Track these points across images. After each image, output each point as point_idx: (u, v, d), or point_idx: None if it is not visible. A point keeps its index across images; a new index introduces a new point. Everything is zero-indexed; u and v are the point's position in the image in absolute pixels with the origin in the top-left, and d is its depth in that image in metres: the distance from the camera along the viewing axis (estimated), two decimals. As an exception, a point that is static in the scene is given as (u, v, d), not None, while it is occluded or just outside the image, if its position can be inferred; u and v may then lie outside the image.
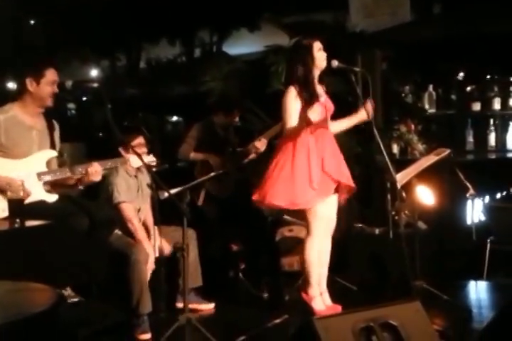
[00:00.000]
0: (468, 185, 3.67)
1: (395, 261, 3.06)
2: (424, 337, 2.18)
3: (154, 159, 2.88)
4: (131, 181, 3.11)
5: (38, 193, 2.71)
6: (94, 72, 8.10)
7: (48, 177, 2.73)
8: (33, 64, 2.84)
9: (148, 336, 2.85)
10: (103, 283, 2.96)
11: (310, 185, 2.81)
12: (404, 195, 2.87)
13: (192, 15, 6.82)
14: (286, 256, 3.75)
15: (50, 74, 2.75)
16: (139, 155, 2.68)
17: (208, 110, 3.90)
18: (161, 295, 2.93)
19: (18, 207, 2.51)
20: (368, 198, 4.20)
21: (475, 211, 4.19)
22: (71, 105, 7.63)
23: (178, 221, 2.71)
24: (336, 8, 5.22)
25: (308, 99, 2.83)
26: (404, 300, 2.30)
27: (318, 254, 2.93)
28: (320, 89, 2.94)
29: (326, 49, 2.93)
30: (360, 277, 3.55)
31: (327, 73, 2.99)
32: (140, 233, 3.04)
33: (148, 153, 3.06)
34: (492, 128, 4.64)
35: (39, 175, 2.72)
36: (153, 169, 2.85)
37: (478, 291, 3.61)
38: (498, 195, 4.39)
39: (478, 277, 3.60)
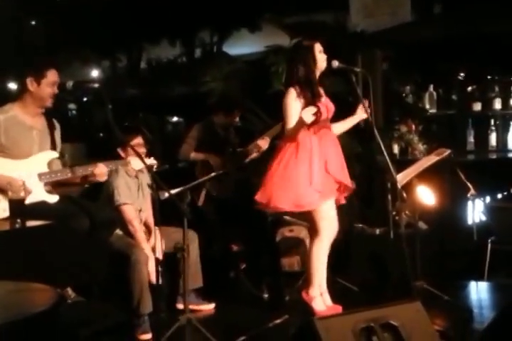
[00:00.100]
0: (469, 185, 3.67)
1: (395, 262, 3.06)
2: (425, 338, 2.18)
3: (155, 162, 2.88)
4: (132, 182, 3.12)
5: (39, 194, 2.71)
6: (94, 73, 8.10)
7: (48, 178, 2.73)
8: (34, 64, 2.83)
9: (148, 336, 2.85)
10: (104, 283, 2.96)
11: (311, 187, 2.81)
12: (404, 195, 2.86)
13: (192, 16, 6.82)
14: (286, 257, 3.75)
15: (51, 75, 2.75)
16: (140, 156, 2.68)
17: (209, 110, 3.90)
18: (161, 296, 2.93)
19: (19, 208, 2.51)
20: (369, 198, 4.20)
21: (476, 211, 4.19)
22: (72, 105, 7.64)
23: (178, 221, 2.71)
24: (336, 9, 5.22)
25: (311, 99, 2.83)
26: (404, 300, 2.30)
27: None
28: (320, 90, 2.95)
29: (326, 49, 2.93)
30: (360, 277, 3.55)
31: (327, 73, 2.99)
32: (139, 235, 3.04)
33: (149, 153, 3.06)
34: (493, 128, 4.64)
35: (40, 175, 2.72)
36: (154, 169, 2.85)
37: (479, 291, 3.60)
38: (499, 195, 4.39)
39: (479, 277, 3.59)
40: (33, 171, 2.72)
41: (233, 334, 2.76)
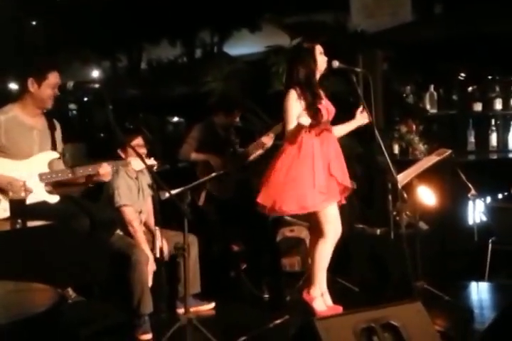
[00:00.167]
0: (469, 185, 3.66)
1: (396, 262, 3.06)
2: (426, 338, 2.18)
3: (155, 162, 2.88)
4: (132, 183, 3.11)
5: (40, 194, 2.71)
6: (95, 73, 8.10)
7: (49, 178, 2.73)
8: (36, 65, 2.83)
9: (149, 336, 2.85)
10: (104, 283, 2.96)
11: (315, 189, 2.81)
12: (405, 195, 2.86)
13: (193, 16, 6.82)
14: (287, 257, 3.74)
15: (53, 77, 2.75)
16: (140, 156, 2.68)
17: (209, 110, 3.90)
18: (162, 296, 2.93)
19: (20, 208, 2.51)
20: (369, 199, 4.20)
21: (476, 211, 4.19)
22: (72, 106, 7.64)
23: (178, 222, 2.71)
24: (336, 9, 5.22)
25: (311, 101, 2.83)
26: (405, 300, 2.30)
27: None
28: (321, 92, 2.95)
29: (326, 49, 2.93)
30: (361, 277, 3.55)
31: (328, 74, 2.99)
32: (139, 236, 3.04)
33: (149, 153, 3.06)
34: (493, 128, 4.63)
35: (41, 175, 2.72)
36: (154, 169, 2.85)
37: (479, 292, 3.60)
38: (500, 196, 4.39)
39: (479, 278, 3.59)
40: (34, 171, 2.72)
41: (234, 335, 2.76)
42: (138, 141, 3.09)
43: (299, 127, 2.73)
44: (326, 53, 2.92)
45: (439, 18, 5.12)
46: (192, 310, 2.81)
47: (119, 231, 3.03)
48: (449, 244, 3.89)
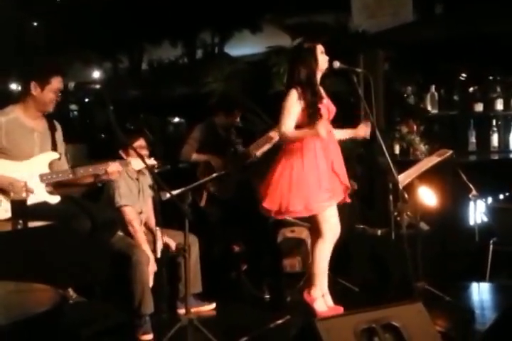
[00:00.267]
0: (470, 186, 3.66)
1: (397, 262, 3.06)
2: (427, 339, 2.18)
3: (155, 162, 2.88)
4: (133, 184, 3.12)
5: (41, 194, 2.71)
6: (96, 74, 8.12)
7: (50, 179, 2.73)
8: (40, 69, 2.81)
9: (150, 337, 2.85)
10: (105, 283, 2.96)
11: (321, 189, 2.81)
12: (406, 196, 2.86)
13: (194, 17, 6.84)
14: (287, 257, 3.74)
15: (56, 82, 2.75)
16: (142, 157, 2.69)
17: (210, 111, 3.91)
18: (162, 296, 2.94)
19: (21, 208, 2.51)
20: (370, 199, 4.20)
21: (477, 212, 4.18)
22: (73, 106, 7.65)
23: (179, 223, 2.72)
24: (337, 9, 5.22)
25: (312, 100, 2.83)
26: (406, 301, 2.30)
27: None
28: (322, 92, 2.95)
29: (327, 50, 2.93)
30: (362, 278, 3.55)
31: (329, 74, 2.99)
32: (140, 236, 3.04)
33: (150, 154, 3.06)
34: (495, 128, 4.63)
35: (41, 176, 2.72)
36: (155, 170, 2.85)
37: (480, 292, 3.60)
38: (501, 196, 4.38)
39: (480, 278, 3.58)
40: (35, 172, 2.72)
41: (235, 335, 2.76)
42: (140, 142, 3.09)
43: (312, 134, 2.74)
44: (327, 53, 2.92)
45: (440, 19, 5.12)
46: (193, 310, 2.82)
47: (119, 232, 3.04)
48: (450, 245, 3.89)
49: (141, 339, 2.84)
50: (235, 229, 3.65)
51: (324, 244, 2.90)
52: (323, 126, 2.72)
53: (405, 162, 3.87)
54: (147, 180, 3.11)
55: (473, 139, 4.62)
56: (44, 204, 2.71)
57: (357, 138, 3.03)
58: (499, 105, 4.62)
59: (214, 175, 3.14)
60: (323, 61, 2.89)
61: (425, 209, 3.50)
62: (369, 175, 4.22)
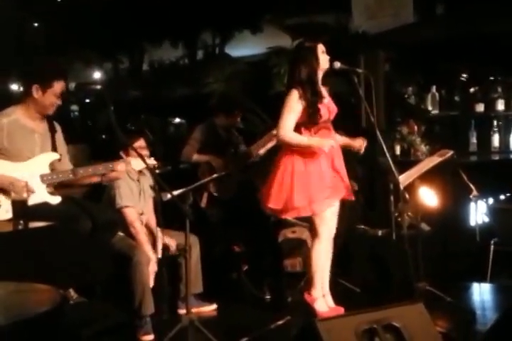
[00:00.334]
0: (471, 186, 3.66)
1: (397, 263, 3.05)
2: (428, 339, 2.18)
3: (155, 162, 2.88)
4: (134, 185, 3.12)
5: (41, 195, 2.71)
6: (97, 75, 8.12)
7: (50, 179, 2.73)
8: (43, 72, 2.80)
9: (150, 337, 2.85)
10: (105, 284, 2.96)
11: (323, 184, 2.82)
12: (407, 196, 2.86)
13: (194, 18, 6.84)
14: (288, 258, 3.74)
15: (58, 86, 2.74)
16: (142, 158, 2.69)
17: (210, 112, 3.91)
18: (163, 297, 2.94)
19: (22, 209, 2.51)
20: (371, 200, 4.20)
21: (478, 212, 4.17)
22: (74, 107, 7.65)
23: (180, 223, 2.71)
24: (338, 10, 5.23)
25: (312, 100, 2.83)
26: (407, 301, 2.29)
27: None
28: (324, 91, 2.95)
29: (328, 50, 2.93)
30: (362, 279, 3.54)
31: (330, 74, 2.99)
32: (141, 237, 3.04)
33: (151, 154, 3.06)
34: (495, 129, 4.62)
35: (42, 177, 2.73)
36: (156, 171, 2.85)
37: (481, 293, 3.59)
38: (502, 197, 4.37)
39: (481, 279, 3.58)
40: (35, 173, 2.72)
41: (235, 336, 2.76)
42: (140, 142, 3.09)
43: (313, 146, 2.78)
44: (328, 54, 2.92)
45: (441, 19, 5.12)
46: (193, 310, 2.82)
47: (120, 233, 3.04)
48: (450, 245, 3.88)
49: (142, 340, 2.84)
50: (236, 229, 3.65)
51: (320, 245, 2.90)
52: (329, 143, 2.78)
53: (406, 162, 3.87)
54: (148, 180, 3.11)
55: (474, 140, 4.62)
56: (45, 205, 2.71)
57: (350, 148, 3.03)
58: (500, 105, 4.61)
59: (215, 175, 3.14)
60: (324, 60, 2.89)
61: (426, 210, 3.49)
62: (370, 176, 4.22)
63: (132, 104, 6.87)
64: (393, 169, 2.80)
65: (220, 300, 3.29)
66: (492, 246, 3.58)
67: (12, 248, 2.31)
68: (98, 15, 6.41)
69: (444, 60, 4.70)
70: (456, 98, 4.87)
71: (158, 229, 2.95)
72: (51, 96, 2.73)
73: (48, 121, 2.86)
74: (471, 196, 3.73)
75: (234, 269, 3.68)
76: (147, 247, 3.00)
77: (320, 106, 2.86)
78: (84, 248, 2.57)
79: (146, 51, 8.01)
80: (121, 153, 3.05)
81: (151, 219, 3.20)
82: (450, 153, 3.17)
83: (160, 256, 2.94)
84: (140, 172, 3.08)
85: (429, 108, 4.70)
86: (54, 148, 2.84)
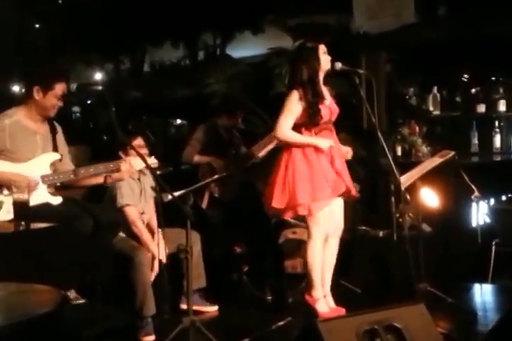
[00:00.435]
0: (473, 187, 3.65)
1: (399, 264, 3.05)
2: (429, 340, 2.17)
3: (156, 161, 2.88)
4: (134, 184, 3.12)
5: (43, 195, 2.72)
6: (98, 75, 8.14)
7: (51, 180, 2.73)
8: (44, 74, 2.80)
9: (152, 338, 2.85)
10: (107, 285, 2.96)
11: (325, 180, 2.82)
12: (408, 197, 2.86)
13: (195, 18, 6.84)
14: (289, 259, 3.74)
15: (60, 88, 2.74)
16: (141, 155, 2.68)
17: (212, 112, 3.91)
18: (164, 297, 2.93)
19: (23, 210, 2.51)
20: (372, 201, 4.19)
21: (480, 213, 4.17)
22: (75, 108, 7.66)
23: (181, 223, 2.71)
24: (339, 10, 5.23)
25: (313, 101, 2.83)
26: (408, 302, 2.29)
27: (323, 257, 2.93)
28: (325, 92, 2.95)
29: (329, 51, 2.93)
30: (364, 279, 3.54)
31: (331, 75, 2.99)
32: (145, 235, 3.04)
33: (150, 154, 3.06)
34: (497, 130, 4.62)
35: (43, 177, 2.73)
36: (158, 172, 2.85)
37: (483, 294, 3.59)
38: (503, 197, 4.37)
39: (483, 280, 3.57)
40: (36, 173, 2.72)
41: (236, 337, 2.76)
42: (138, 141, 3.09)
43: (311, 144, 2.80)
44: (329, 54, 2.92)
45: (443, 20, 5.11)
46: (195, 308, 2.81)
47: (121, 233, 3.04)
48: (452, 246, 3.88)
49: (143, 341, 2.84)
50: (237, 230, 3.65)
51: (313, 245, 2.91)
52: (328, 143, 2.80)
53: (407, 163, 3.87)
54: (149, 180, 3.11)
55: (475, 140, 4.62)
56: (46, 206, 2.71)
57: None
58: (502, 106, 4.61)
59: (216, 176, 3.14)
60: (325, 61, 2.89)
61: (427, 211, 3.49)
62: (371, 177, 4.22)
63: (133, 104, 6.87)
64: (394, 170, 2.79)
65: (221, 301, 3.29)
66: (493, 247, 3.58)
67: (13, 248, 2.31)
68: (99, 16, 6.42)
69: (445, 61, 4.70)
70: (458, 99, 4.87)
71: (160, 230, 2.94)
72: (52, 98, 2.73)
73: (48, 122, 2.86)
74: (472, 197, 3.73)
75: (235, 270, 3.68)
76: (152, 245, 2.99)
77: (321, 107, 2.86)
78: (85, 248, 2.57)
79: (147, 52, 8.01)
80: (121, 153, 3.04)
81: (153, 218, 3.20)
82: (451, 153, 3.16)
83: (161, 257, 2.94)
84: (141, 171, 3.08)
85: (431, 109, 4.70)
86: (55, 150, 2.84)
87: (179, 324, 2.65)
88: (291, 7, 5.88)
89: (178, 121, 7.80)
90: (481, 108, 4.64)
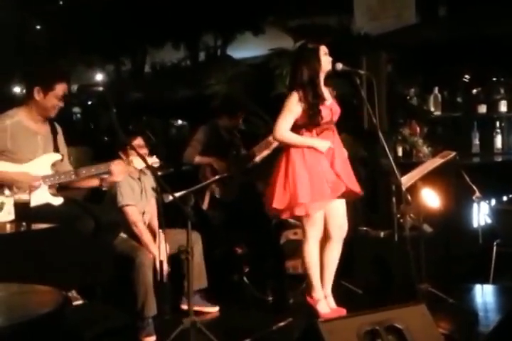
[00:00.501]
0: (474, 187, 3.65)
1: (400, 264, 3.05)
2: (430, 341, 2.17)
3: (157, 160, 2.88)
4: (135, 184, 3.12)
5: (44, 196, 2.72)
6: (99, 76, 8.14)
7: (52, 181, 2.74)
8: (45, 75, 2.80)
9: (152, 338, 2.85)
10: (108, 285, 2.96)
11: (325, 180, 2.82)
12: (409, 197, 2.86)
13: (196, 19, 6.84)
14: (290, 259, 3.74)
15: (60, 89, 2.74)
16: (141, 155, 2.68)
17: (213, 113, 3.91)
18: (165, 298, 2.93)
19: (24, 210, 2.52)
20: (373, 201, 4.19)
21: (481, 214, 4.17)
22: (76, 109, 7.66)
23: (182, 224, 2.71)
24: (340, 11, 5.23)
25: (313, 102, 2.83)
26: (409, 303, 2.29)
27: (324, 259, 2.93)
28: (326, 93, 2.95)
29: (330, 52, 2.93)
30: (365, 280, 3.54)
31: (332, 76, 2.99)
32: (146, 235, 3.04)
33: (150, 153, 3.06)
34: (498, 130, 4.62)
35: (44, 178, 2.73)
36: (159, 173, 2.85)
37: (484, 294, 3.58)
38: (505, 198, 4.37)
39: (484, 280, 3.57)
40: (37, 174, 2.73)
41: (237, 337, 2.76)
42: (138, 141, 3.09)
43: (310, 145, 2.81)
44: (330, 55, 2.92)
45: (444, 20, 5.11)
46: (196, 308, 2.81)
47: (122, 234, 3.04)
48: (453, 247, 3.87)
49: (144, 342, 2.84)
50: (238, 231, 3.65)
51: (309, 246, 2.92)
52: (326, 144, 2.82)
53: (408, 164, 3.86)
54: (149, 180, 3.11)
55: (476, 141, 4.62)
56: (47, 206, 2.71)
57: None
58: (503, 107, 4.61)
59: (217, 177, 3.14)
60: (326, 62, 2.89)
61: (428, 211, 3.49)
62: (372, 177, 4.22)
63: (134, 105, 6.88)
64: (395, 170, 2.79)
65: (222, 301, 3.29)
66: (495, 248, 3.58)
67: (14, 249, 2.31)
68: (100, 17, 6.43)
69: (446, 62, 4.70)
70: (459, 99, 4.86)
71: (160, 231, 2.94)
72: (53, 99, 2.73)
73: (49, 123, 2.87)
74: (473, 197, 3.72)
75: (236, 271, 3.68)
76: (152, 246, 2.99)
77: (322, 107, 2.86)
78: (86, 249, 2.57)
79: (148, 53, 8.02)
80: (121, 154, 3.05)
81: (154, 218, 3.19)
82: (452, 154, 3.16)
83: (162, 257, 2.94)
84: (141, 171, 3.08)
85: (432, 109, 4.70)
86: (56, 150, 2.85)
87: (180, 324, 2.65)
88: (292, 8, 5.89)
89: (179, 121, 7.80)
90: (482, 108, 4.64)
